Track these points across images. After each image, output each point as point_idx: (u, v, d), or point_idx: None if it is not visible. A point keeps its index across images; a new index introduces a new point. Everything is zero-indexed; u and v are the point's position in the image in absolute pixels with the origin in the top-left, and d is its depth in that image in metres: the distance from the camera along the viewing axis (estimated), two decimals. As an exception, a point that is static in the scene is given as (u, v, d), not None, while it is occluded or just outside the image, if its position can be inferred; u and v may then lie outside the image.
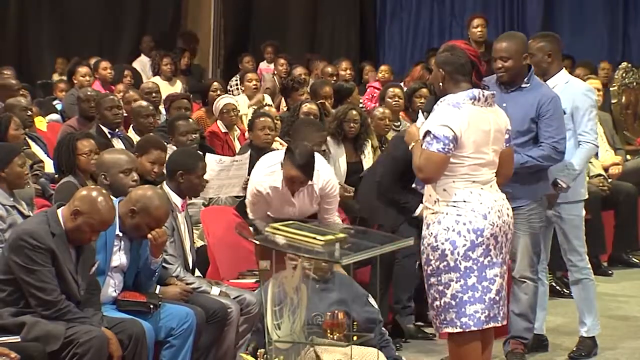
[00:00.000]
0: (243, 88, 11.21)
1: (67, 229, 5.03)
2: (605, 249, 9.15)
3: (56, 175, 7.04)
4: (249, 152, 7.56)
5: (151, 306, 5.40)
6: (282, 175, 6.24)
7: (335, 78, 11.50)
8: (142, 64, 13.69)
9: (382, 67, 12.87)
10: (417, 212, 6.82)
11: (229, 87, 11.89)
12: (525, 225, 6.07)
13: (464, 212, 4.87)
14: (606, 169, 9.23)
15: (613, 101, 10.26)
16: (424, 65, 11.79)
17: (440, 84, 5.00)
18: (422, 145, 4.93)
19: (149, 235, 5.41)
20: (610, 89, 10.42)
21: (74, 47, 14.33)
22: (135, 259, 5.49)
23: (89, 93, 9.01)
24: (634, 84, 10.35)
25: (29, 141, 7.99)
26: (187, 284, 5.81)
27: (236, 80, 12.62)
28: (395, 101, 9.40)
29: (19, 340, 4.91)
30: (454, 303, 4.90)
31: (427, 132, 4.89)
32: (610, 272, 9.03)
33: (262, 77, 12.76)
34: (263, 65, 13.91)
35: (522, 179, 5.90)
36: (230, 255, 6.54)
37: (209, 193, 7.20)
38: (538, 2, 14.82)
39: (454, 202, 4.89)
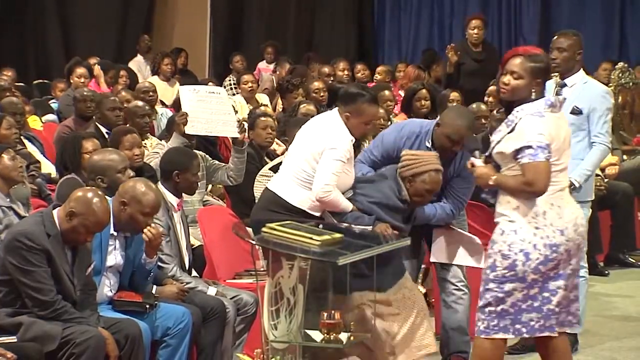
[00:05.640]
0: (239, 90, 11.22)
1: (62, 230, 5.03)
2: (601, 249, 9.16)
3: (53, 176, 7.04)
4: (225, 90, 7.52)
5: (147, 306, 5.40)
6: (354, 126, 5.73)
7: (332, 78, 11.50)
8: (138, 64, 13.69)
9: (379, 69, 12.80)
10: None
11: (223, 87, 11.89)
12: (462, 229, 6.11)
13: (542, 226, 4.83)
14: (603, 169, 9.23)
15: (610, 101, 10.28)
16: (417, 66, 11.83)
17: (533, 92, 4.89)
18: (517, 160, 4.83)
19: (144, 236, 5.40)
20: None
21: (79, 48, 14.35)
22: (130, 258, 5.49)
23: (85, 93, 9.02)
24: (630, 84, 10.38)
25: (25, 141, 7.99)
26: (183, 284, 5.82)
27: (230, 79, 12.64)
28: (387, 105, 9.41)
29: (16, 340, 4.91)
30: (512, 311, 4.86)
31: (528, 146, 4.78)
32: (606, 272, 9.04)
33: (260, 77, 12.77)
34: (262, 65, 13.92)
35: None
36: (227, 255, 6.53)
37: (201, 130, 7.20)
38: (535, 3, 14.84)
39: (534, 213, 4.84)
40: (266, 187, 5.96)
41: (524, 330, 4.88)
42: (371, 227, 5.58)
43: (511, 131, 4.89)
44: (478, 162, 5.04)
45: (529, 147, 4.79)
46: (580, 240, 4.98)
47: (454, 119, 5.86)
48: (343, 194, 5.67)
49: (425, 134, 5.93)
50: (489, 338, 4.92)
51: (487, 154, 5.04)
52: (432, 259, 6.09)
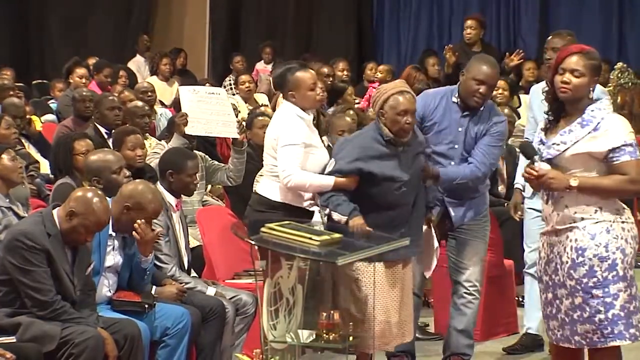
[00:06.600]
0: (237, 91, 11.22)
1: (62, 230, 5.03)
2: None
3: (52, 176, 7.04)
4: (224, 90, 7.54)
5: (146, 306, 5.40)
6: (302, 99, 5.83)
7: (331, 79, 11.49)
8: (137, 64, 13.69)
9: (381, 67, 12.86)
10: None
11: (223, 87, 11.89)
12: (483, 232, 6.09)
13: (625, 219, 4.75)
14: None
15: (609, 101, 10.29)
16: (413, 66, 11.83)
17: (591, 91, 4.79)
18: (612, 160, 4.67)
19: (135, 234, 5.40)
20: (606, 89, 10.45)
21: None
22: (128, 258, 5.49)
23: (84, 93, 9.03)
24: (629, 84, 10.38)
25: (24, 141, 7.99)
26: (182, 284, 5.82)
27: (230, 80, 12.63)
28: None
29: (15, 340, 4.91)
30: (622, 314, 4.68)
31: (627, 144, 4.67)
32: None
33: (258, 78, 12.75)
34: (260, 65, 13.90)
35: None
36: (226, 255, 6.54)
37: (200, 130, 7.21)
38: (534, 4, 14.86)
39: (617, 210, 4.74)
40: (254, 191, 6.06)
41: (638, 334, 4.72)
42: (346, 217, 5.51)
43: (592, 131, 4.71)
44: (545, 165, 4.73)
45: (629, 145, 4.68)
46: None
47: (479, 63, 5.97)
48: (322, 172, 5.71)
49: (450, 92, 6.03)
50: (605, 347, 4.70)
51: (551, 156, 4.77)
52: None
